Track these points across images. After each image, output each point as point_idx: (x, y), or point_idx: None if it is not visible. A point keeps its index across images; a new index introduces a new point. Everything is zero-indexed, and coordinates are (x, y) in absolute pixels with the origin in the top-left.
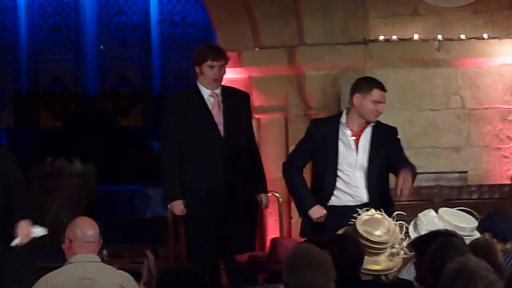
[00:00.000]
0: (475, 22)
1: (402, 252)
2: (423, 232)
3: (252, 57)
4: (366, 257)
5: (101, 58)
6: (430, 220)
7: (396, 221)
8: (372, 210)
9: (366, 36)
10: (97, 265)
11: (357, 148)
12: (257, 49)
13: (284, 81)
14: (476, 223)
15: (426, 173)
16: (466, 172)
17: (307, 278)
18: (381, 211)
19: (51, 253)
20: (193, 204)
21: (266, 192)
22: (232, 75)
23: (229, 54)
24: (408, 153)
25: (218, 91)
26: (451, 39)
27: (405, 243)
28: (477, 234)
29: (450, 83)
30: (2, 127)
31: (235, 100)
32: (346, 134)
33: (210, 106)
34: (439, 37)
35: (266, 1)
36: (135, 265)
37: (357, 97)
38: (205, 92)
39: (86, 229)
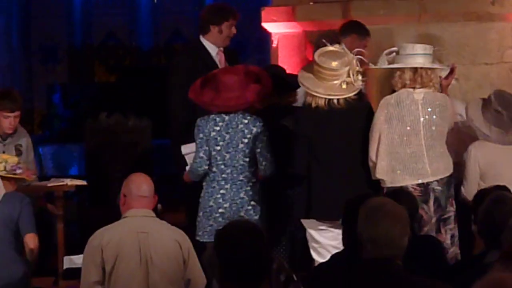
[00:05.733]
0: None
1: (357, 81)
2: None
3: (306, 12)
4: (319, 82)
5: (154, 12)
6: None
7: (356, 55)
8: (337, 45)
9: None
10: (152, 220)
11: None
12: (312, 3)
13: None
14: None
15: None
16: None
17: (384, 229)
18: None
19: None
20: None
21: None
22: (287, 29)
23: (284, 8)
24: None
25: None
26: None
27: (360, 76)
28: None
29: (504, 37)
30: (57, 82)
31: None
32: None
33: (218, 63)
34: None
35: None
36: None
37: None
38: (213, 49)
39: (140, 184)
